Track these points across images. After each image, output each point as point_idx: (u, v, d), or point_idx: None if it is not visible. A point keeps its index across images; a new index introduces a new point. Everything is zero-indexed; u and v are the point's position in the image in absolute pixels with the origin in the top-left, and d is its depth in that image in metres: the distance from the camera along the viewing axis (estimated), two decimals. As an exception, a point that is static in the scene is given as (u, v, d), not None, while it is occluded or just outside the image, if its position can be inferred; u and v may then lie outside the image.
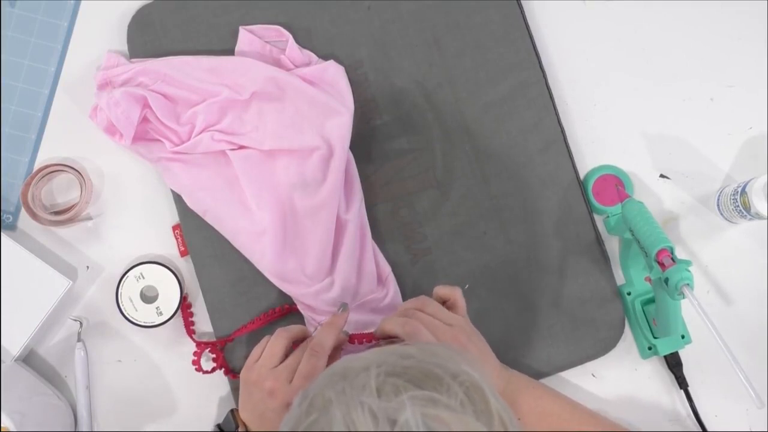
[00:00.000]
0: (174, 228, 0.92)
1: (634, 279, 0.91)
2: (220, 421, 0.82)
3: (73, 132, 0.92)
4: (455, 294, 0.81)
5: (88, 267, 0.92)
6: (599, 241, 0.92)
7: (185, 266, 0.92)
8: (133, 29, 0.91)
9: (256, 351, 0.78)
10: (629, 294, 0.91)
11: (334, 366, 0.54)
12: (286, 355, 0.77)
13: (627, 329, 0.92)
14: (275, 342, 0.77)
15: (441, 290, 0.82)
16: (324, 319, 0.86)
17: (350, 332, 0.84)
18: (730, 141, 0.96)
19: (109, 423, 0.91)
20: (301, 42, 0.92)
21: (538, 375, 0.90)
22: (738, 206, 0.89)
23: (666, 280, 0.78)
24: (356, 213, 0.88)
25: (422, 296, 0.81)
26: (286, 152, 0.88)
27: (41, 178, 0.90)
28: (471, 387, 0.51)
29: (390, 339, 0.79)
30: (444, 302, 0.82)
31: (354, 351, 0.83)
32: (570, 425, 0.80)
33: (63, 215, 0.90)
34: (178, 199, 0.90)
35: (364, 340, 0.82)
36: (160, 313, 0.89)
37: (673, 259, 0.79)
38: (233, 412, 0.81)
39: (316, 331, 0.81)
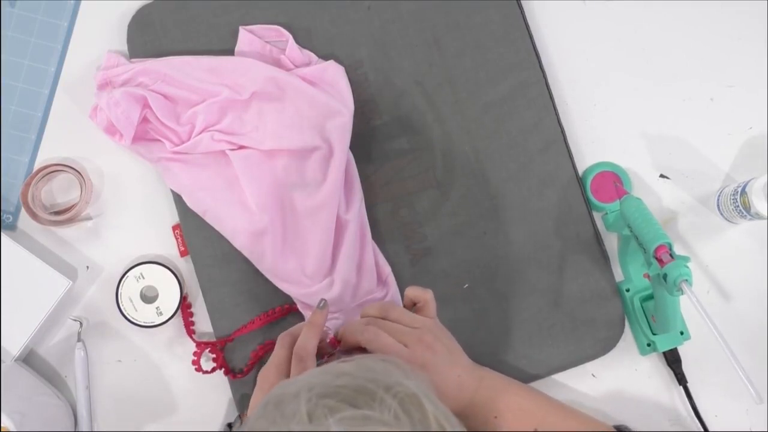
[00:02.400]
0: (174, 228, 0.92)
1: (632, 275, 0.91)
2: (226, 420, 0.82)
3: (73, 132, 0.92)
4: (426, 296, 0.79)
5: (88, 267, 0.92)
6: (599, 241, 0.92)
7: (185, 266, 0.92)
8: (133, 29, 0.92)
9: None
10: (628, 291, 0.91)
11: (270, 394, 0.54)
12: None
13: (627, 330, 0.92)
14: (278, 346, 0.76)
15: (412, 292, 0.80)
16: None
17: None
18: (730, 141, 0.96)
19: (109, 423, 0.91)
20: (301, 42, 0.92)
21: (537, 375, 0.90)
22: (738, 206, 0.89)
23: (664, 276, 0.78)
24: (356, 213, 0.88)
25: (384, 302, 0.79)
26: (286, 152, 0.88)
27: (41, 178, 0.90)
28: (406, 397, 0.50)
29: (358, 349, 0.77)
30: (414, 304, 0.80)
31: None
32: (548, 421, 0.79)
33: (63, 215, 0.90)
34: (178, 199, 0.90)
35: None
36: (160, 313, 0.89)
37: (671, 255, 0.79)
38: (240, 416, 0.81)
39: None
